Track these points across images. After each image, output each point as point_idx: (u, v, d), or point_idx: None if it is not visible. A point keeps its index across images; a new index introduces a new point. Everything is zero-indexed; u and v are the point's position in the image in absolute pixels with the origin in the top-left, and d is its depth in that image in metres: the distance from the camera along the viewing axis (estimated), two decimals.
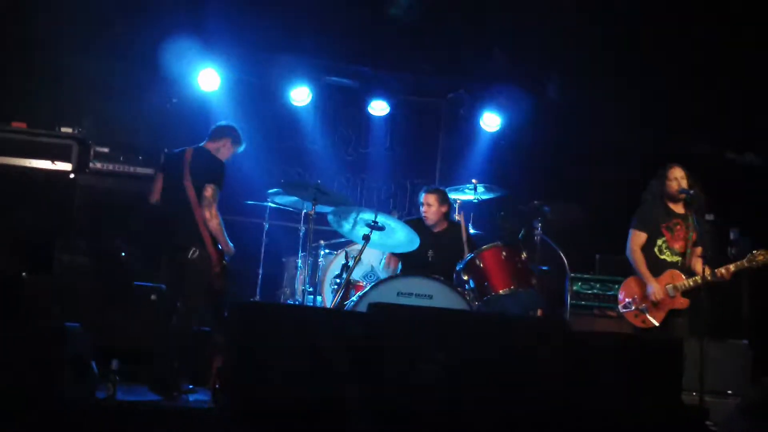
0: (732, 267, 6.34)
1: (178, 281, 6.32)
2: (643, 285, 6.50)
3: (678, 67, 8.46)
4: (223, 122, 6.82)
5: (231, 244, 6.40)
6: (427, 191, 7.32)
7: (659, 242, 6.56)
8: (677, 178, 6.56)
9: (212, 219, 6.26)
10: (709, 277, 6.18)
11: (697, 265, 6.35)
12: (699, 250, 6.42)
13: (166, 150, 7.66)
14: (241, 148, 6.74)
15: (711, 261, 6.27)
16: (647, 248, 6.60)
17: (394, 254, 7.33)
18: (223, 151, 6.56)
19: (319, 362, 4.77)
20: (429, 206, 7.23)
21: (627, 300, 6.56)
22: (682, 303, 6.40)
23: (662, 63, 8.49)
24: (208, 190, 6.26)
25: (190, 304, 6.25)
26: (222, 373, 5.63)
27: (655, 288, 6.41)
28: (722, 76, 8.40)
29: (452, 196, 7.71)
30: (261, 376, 4.78)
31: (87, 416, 4.81)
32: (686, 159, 6.77)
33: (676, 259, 6.54)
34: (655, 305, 6.42)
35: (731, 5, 7.72)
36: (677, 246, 6.55)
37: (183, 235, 6.26)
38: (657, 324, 6.39)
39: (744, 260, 6.35)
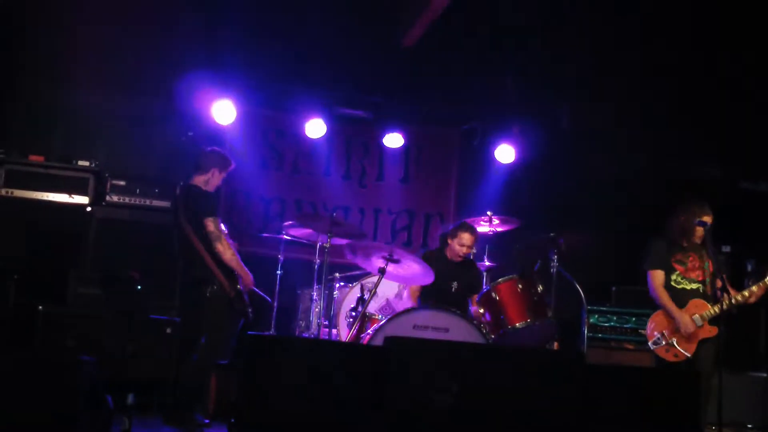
0: (755, 288, 6.29)
1: (195, 317, 6.30)
2: (670, 318, 6.45)
3: (692, 95, 8.45)
4: (207, 150, 6.72)
5: (251, 275, 6.38)
6: (469, 231, 7.17)
7: (674, 276, 6.52)
8: (704, 220, 6.47)
9: (225, 251, 6.21)
10: (734, 301, 6.14)
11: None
12: (721, 279, 6.37)
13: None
14: (232, 168, 6.68)
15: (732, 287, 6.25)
16: (664, 285, 6.55)
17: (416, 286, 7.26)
18: (212, 181, 6.50)
19: (334, 396, 4.75)
20: (468, 248, 7.15)
21: (656, 335, 6.47)
22: (711, 331, 6.34)
23: (676, 91, 8.48)
24: (210, 225, 6.19)
25: (211, 339, 6.22)
26: (236, 407, 5.60)
27: (684, 321, 6.36)
28: (737, 105, 8.38)
29: None
30: (274, 410, 4.75)
31: None
32: (701, 188, 6.73)
33: (695, 286, 6.48)
34: (685, 337, 6.36)
35: (746, 31, 7.71)
36: (693, 275, 6.50)
37: (195, 272, 6.25)
38: (689, 356, 6.33)
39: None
